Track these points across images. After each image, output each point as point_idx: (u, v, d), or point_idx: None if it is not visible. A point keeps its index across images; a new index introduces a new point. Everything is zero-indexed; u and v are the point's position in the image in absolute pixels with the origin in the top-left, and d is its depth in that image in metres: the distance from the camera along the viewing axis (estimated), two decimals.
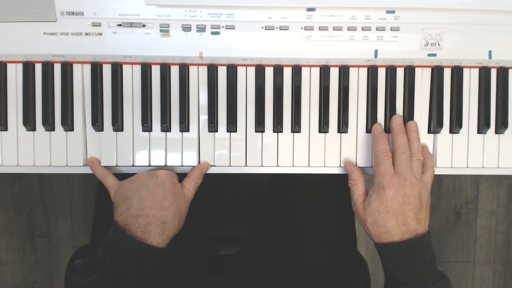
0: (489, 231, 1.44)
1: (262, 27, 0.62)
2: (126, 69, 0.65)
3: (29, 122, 0.64)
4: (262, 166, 0.66)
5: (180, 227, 0.61)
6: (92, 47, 0.62)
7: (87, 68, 0.64)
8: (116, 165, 0.65)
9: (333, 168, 0.66)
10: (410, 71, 0.66)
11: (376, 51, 0.63)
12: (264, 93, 0.66)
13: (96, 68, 0.64)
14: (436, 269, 0.59)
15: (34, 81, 0.64)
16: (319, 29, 0.62)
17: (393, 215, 0.58)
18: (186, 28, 0.62)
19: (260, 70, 0.65)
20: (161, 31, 0.61)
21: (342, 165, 0.66)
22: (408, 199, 0.58)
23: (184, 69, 0.65)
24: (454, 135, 0.67)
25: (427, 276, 0.57)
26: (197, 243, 0.80)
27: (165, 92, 0.65)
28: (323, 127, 0.66)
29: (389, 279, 0.60)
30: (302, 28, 0.62)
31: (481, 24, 0.63)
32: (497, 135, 0.67)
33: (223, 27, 0.62)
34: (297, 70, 0.65)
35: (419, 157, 0.62)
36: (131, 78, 0.65)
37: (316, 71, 0.66)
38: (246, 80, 0.66)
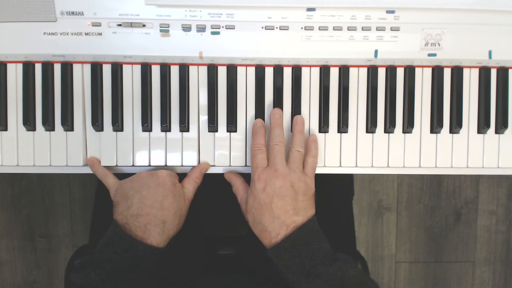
0: (489, 231, 1.44)
1: (262, 27, 0.62)
2: (126, 69, 0.65)
3: (29, 122, 0.64)
4: None
5: (180, 227, 0.61)
6: (92, 47, 0.61)
7: (87, 68, 0.64)
8: (116, 165, 0.65)
9: (333, 168, 0.66)
10: (410, 71, 0.66)
11: (376, 51, 0.63)
12: (264, 93, 0.66)
13: (96, 68, 0.64)
14: (327, 254, 0.55)
15: (34, 81, 0.64)
16: (319, 29, 0.62)
17: (266, 209, 0.56)
18: (186, 28, 0.62)
19: (260, 70, 0.65)
20: (161, 31, 0.61)
21: (341, 165, 0.66)
22: (280, 190, 0.56)
23: (184, 69, 0.65)
24: (454, 135, 0.67)
25: (319, 265, 0.54)
26: (197, 243, 0.80)
27: (165, 92, 0.65)
28: (323, 127, 0.66)
29: (288, 282, 0.57)
30: (302, 28, 0.62)
31: (481, 24, 0.63)
32: (497, 135, 0.67)
33: (223, 27, 0.62)
34: (297, 70, 0.65)
35: (298, 149, 0.60)
36: (131, 78, 0.65)
37: (316, 71, 0.66)
38: (246, 80, 0.66)
